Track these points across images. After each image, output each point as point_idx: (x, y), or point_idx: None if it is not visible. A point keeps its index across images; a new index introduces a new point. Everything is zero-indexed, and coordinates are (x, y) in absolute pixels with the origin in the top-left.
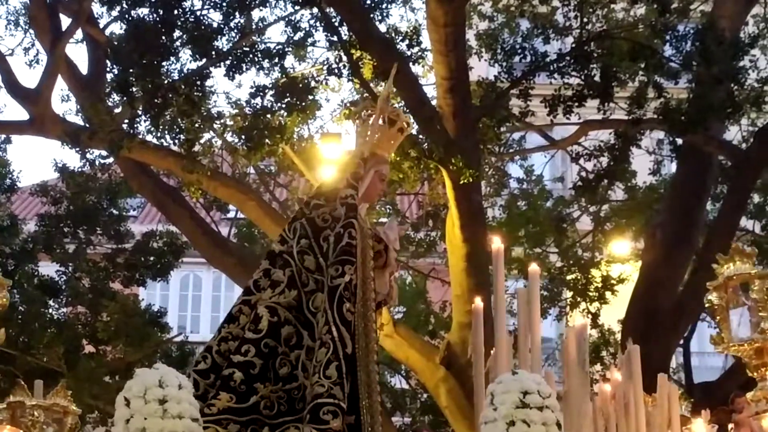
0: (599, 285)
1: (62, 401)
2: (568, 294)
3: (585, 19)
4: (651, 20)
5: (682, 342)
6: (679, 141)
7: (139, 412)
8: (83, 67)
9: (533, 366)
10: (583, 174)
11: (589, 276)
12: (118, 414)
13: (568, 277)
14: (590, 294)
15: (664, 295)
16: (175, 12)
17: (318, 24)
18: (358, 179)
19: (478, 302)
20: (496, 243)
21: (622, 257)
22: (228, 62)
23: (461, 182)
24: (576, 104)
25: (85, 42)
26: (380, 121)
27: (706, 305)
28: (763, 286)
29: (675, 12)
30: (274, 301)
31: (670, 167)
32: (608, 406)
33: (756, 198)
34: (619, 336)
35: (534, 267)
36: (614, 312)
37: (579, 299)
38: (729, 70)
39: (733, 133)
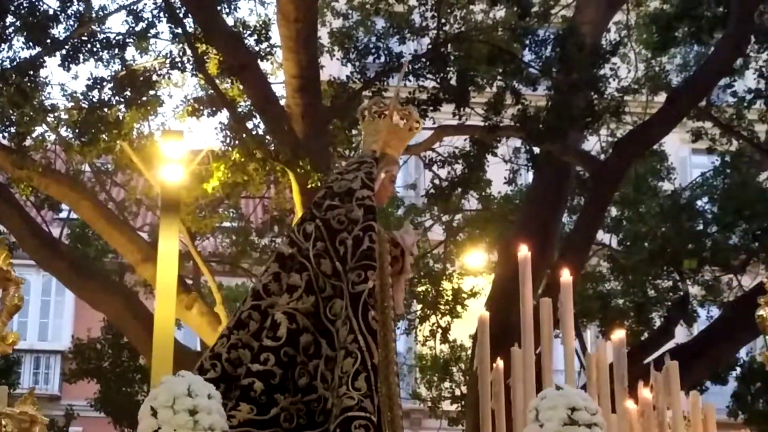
0: (450, 298)
1: (30, 410)
2: (417, 307)
3: (442, 20)
4: (511, 24)
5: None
6: (537, 150)
7: (168, 423)
8: None
9: (567, 380)
10: (437, 181)
11: (440, 288)
12: (144, 424)
13: (418, 289)
14: (441, 307)
15: (518, 309)
16: None
17: (161, 14)
18: (373, 180)
19: (485, 313)
20: (523, 251)
21: (475, 270)
22: (64, 51)
23: (309, 186)
24: (431, 108)
25: None
26: (391, 121)
27: (757, 320)
28: None
29: (535, 16)
30: (292, 307)
31: (527, 177)
32: (635, 425)
33: (613, 211)
34: (470, 351)
35: (567, 277)
36: (465, 326)
37: (429, 312)
38: (589, 77)
39: (592, 144)
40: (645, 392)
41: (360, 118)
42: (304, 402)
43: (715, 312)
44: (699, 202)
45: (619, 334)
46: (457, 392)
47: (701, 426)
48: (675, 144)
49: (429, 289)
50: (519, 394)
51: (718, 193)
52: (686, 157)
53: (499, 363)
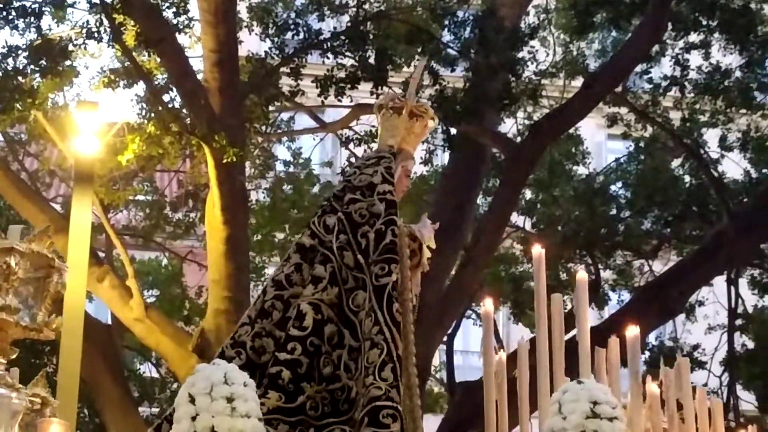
0: None
1: (42, 391)
2: None
3: None
4: (430, 3)
5: (445, 339)
6: (453, 131)
7: (207, 410)
8: None
9: (582, 373)
10: (353, 160)
11: None
12: (182, 411)
13: None
14: None
15: (430, 289)
16: None
17: None
18: (393, 175)
19: (489, 305)
20: (537, 249)
21: None
22: None
23: (224, 161)
24: (348, 86)
25: None
26: (407, 116)
27: None
28: None
29: None
30: (317, 297)
31: (443, 158)
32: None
33: (528, 194)
34: None
35: (582, 274)
36: None
37: None
38: (507, 60)
39: (508, 126)
40: (653, 386)
41: (376, 112)
42: (328, 390)
43: (626, 296)
44: (613, 187)
45: (633, 331)
46: None
47: (707, 420)
48: (591, 129)
49: None
50: (525, 385)
51: (632, 178)
52: (601, 142)
53: (503, 355)
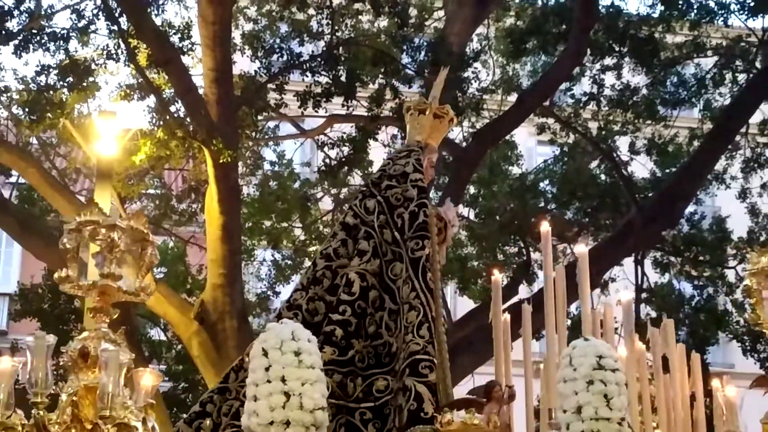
0: None
1: (142, 227)
2: (308, 263)
3: (335, 27)
4: (391, 32)
5: None
6: None
7: (278, 362)
8: None
9: (585, 332)
10: (327, 161)
11: None
12: (256, 362)
13: (310, 249)
14: None
15: None
16: None
17: (100, 14)
18: (422, 165)
19: (497, 275)
20: (545, 226)
21: None
22: (17, 42)
23: (221, 161)
24: (324, 100)
25: None
26: (431, 116)
27: (743, 290)
28: None
29: (412, 26)
30: (362, 268)
31: None
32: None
33: (472, 189)
34: None
35: (582, 248)
36: None
37: None
38: (455, 79)
39: (456, 133)
40: (639, 344)
41: (405, 113)
42: (372, 346)
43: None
44: (542, 184)
45: (627, 296)
46: None
47: (686, 374)
48: (523, 135)
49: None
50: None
51: (557, 177)
52: (532, 147)
53: (507, 317)
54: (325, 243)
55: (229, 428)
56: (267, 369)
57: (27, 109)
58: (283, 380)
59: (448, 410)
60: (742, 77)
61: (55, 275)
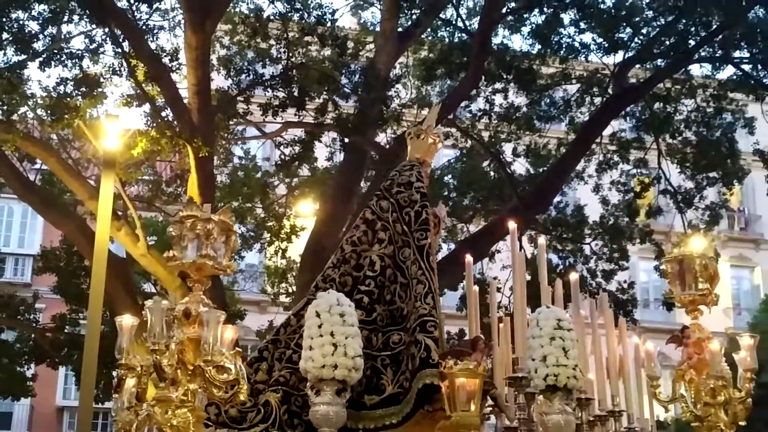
0: (288, 231)
1: (228, 220)
2: (267, 235)
3: (290, 54)
4: (334, 59)
5: None
6: (347, 140)
7: (328, 321)
8: None
9: (543, 302)
10: (283, 157)
11: (282, 224)
12: (311, 322)
13: (268, 224)
14: (282, 236)
15: (329, 239)
16: (4, 20)
17: (108, 39)
18: (422, 176)
19: (469, 258)
20: (512, 225)
21: (304, 214)
22: (41, 59)
23: (200, 156)
24: (281, 110)
25: None
26: (427, 140)
27: (661, 272)
28: (700, 261)
29: (349, 55)
30: (381, 252)
31: (339, 156)
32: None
33: None
34: (299, 265)
35: (542, 240)
36: (296, 249)
37: (274, 239)
38: (381, 96)
39: (382, 138)
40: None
41: (407, 137)
42: (389, 310)
43: (452, 246)
44: (446, 178)
45: (574, 276)
46: (290, 290)
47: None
48: None
49: (275, 225)
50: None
51: (458, 172)
52: (439, 149)
53: (476, 288)
54: (350, 231)
55: (285, 369)
56: (319, 326)
57: (49, 112)
58: (332, 335)
59: (450, 358)
60: (597, 100)
61: (164, 254)
